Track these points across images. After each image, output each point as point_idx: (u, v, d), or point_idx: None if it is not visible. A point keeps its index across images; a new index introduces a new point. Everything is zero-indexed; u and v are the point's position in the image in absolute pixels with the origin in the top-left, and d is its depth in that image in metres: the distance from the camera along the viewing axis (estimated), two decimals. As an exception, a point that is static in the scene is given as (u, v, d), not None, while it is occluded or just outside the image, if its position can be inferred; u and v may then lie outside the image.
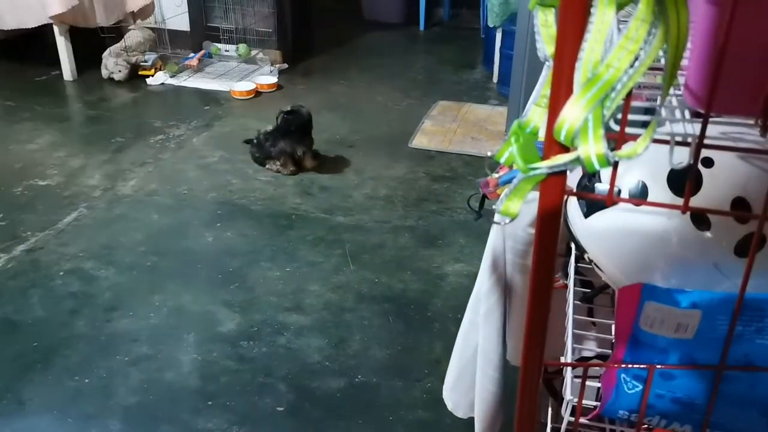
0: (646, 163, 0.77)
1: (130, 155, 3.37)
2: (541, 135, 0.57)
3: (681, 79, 0.69)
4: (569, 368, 0.83)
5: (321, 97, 4.16)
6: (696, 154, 0.60)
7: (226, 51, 4.56)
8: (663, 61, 0.53)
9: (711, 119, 0.59)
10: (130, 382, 2.00)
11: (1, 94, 4.08)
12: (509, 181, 0.56)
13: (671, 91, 0.67)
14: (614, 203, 0.80)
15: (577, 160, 0.51)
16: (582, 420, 0.80)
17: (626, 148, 0.53)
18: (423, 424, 1.88)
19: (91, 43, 4.27)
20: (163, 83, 4.28)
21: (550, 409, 1.18)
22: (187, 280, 2.45)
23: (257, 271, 2.51)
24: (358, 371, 2.06)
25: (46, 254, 2.57)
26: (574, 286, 0.97)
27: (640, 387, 0.72)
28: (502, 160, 0.59)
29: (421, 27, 5.64)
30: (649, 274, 0.79)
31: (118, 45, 4.26)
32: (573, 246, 0.94)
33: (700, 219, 0.76)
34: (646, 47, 0.50)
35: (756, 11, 0.59)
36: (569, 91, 0.51)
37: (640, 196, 0.79)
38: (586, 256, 0.87)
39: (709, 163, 0.76)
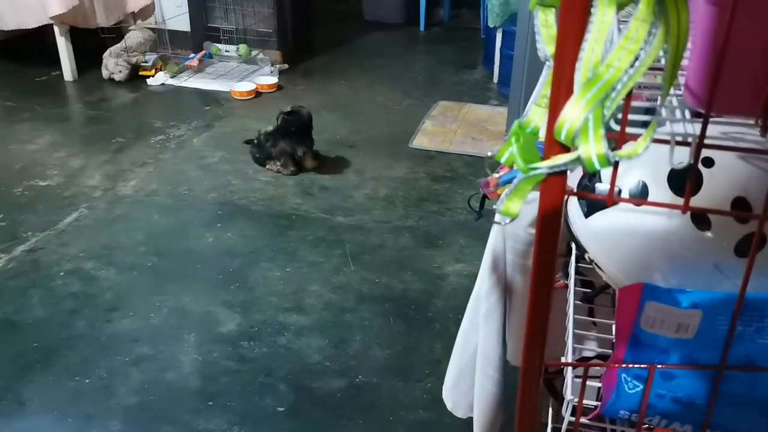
0: (646, 163, 0.77)
1: (131, 155, 3.38)
2: (542, 135, 0.57)
3: (681, 79, 0.69)
4: (570, 368, 0.83)
5: (321, 97, 4.16)
6: (696, 154, 0.60)
7: (226, 51, 4.57)
8: (663, 61, 0.53)
9: (711, 119, 0.59)
10: (130, 382, 2.00)
11: (1, 95, 4.08)
12: (510, 181, 0.56)
13: (671, 91, 0.67)
14: (615, 203, 0.80)
15: (578, 160, 0.51)
16: (583, 420, 0.80)
17: (627, 148, 0.53)
18: (423, 424, 1.88)
19: (91, 43, 4.28)
20: (163, 83, 4.28)
21: (550, 409, 1.18)
22: (188, 280, 2.45)
23: (258, 271, 2.51)
24: (358, 371, 2.06)
25: (46, 254, 2.57)
26: (575, 286, 0.97)
27: (641, 387, 0.72)
28: (502, 160, 0.59)
29: (422, 27, 5.64)
30: (649, 274, 0.79)
31: (118, 45, 4.26)
32: (573, 246, 0.94)
33: (701, 219, 0.76)
34: (647, 47, 0.50)
35: (756, 11, 0.59)
36: (569, 91, 0.51)
37: (640, 196, 0.79)
38: (586, 256, 0.87)
39: (709, 163, 0.76)
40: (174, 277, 2.47)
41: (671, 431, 0.76)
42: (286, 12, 4.52)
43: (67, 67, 4.24)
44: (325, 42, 5.10)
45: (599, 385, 0.79)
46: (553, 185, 0.56)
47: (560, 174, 0.55)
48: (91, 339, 2.16)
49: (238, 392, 1.97)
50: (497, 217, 0.58)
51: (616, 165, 0.55)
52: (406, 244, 2.69)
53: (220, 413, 1.90)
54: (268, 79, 4.29)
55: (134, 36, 4.33)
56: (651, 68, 0.51)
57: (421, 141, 3.57)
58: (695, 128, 0.64)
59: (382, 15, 5.72)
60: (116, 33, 4.32)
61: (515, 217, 0.57)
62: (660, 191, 0.78)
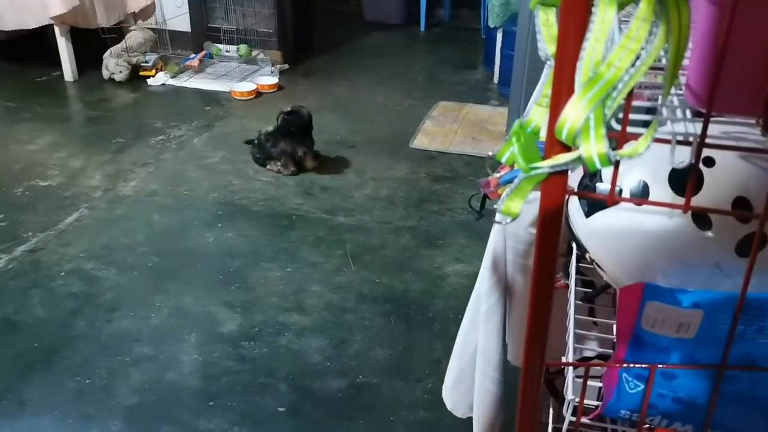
0: (647, 163, 0.77)
1: (131, 156, 3.38)
2: (543, 134, 0.57)
3: (682, 79, 0.69)
4: (571, 368, 0.83)
5: (322, 97, 4.16)
6: (697, 153, 0.60)
7: (226, 51, 4.57)
8: (664, 60, 0.53)
9: (712, 119, 0.59)
10: (130, 382, 2.00)
11: (1, 95, 4.08)
12: (510, 181, 0.56)
13: (672, 90, 0.67)
14: (615, 203, 0.80)
15: (579, 160, 0.51)
16: (583, 420, 0.80)
17: (628, 148, 0.53)
18: (424, 425, 1.88)
19: (91, 43, 4.28)
20: (163, 84, 4.28)
21: (551, 409, 1.18)
22: (188, 280, 2.45)
23: (258, 271, 2.51)
24: (359, 372, 2.06)
25: (46, 255, 2.57)
26: (576, 285, 0.97)
27: (642, 387, 0.72)
28: (503, 160, 0.59)
29: (422, 27, 5.63)
30: (650, 274, 0.79)
31: (119, 46, 4.26)
32: (574, 245, 0.93)
33: (702, 218, 0.76)
34: (648, 47, 0.50)
35: (757, 11, 0.59)
36: (570, 91, 0.51)
37: (641, 196, 0.79)
38: (587, 255, 0.87)
39: (710, 162, 0.76)
40: (174, 277, 2.47)
41: (672, 431, 0.76)
42: (286, 12, 4.52)
43: (68, 68, 4.24)
44: (326, 42, 5.10)
45: (600, 384, 0.79)
46: (554, 185, 0.56)
47: (561, 173, 0.55)
48: (91, 339, 2.16)
49: (238, 392, 1.97)
50: (498, 217, 0.58)
51: (617, 164, 0.55)
52: (406, 244, 2.69)
53: (220, 413, 1.90)
54: (268, 79, 4.29)
55: (135, 36, 4.34)
56: (652, 68, 0.51)
57: (421, 141, 3.57)
58: (696, 128, 0.64)
59: (382, 15, 5.72)
60: (117, 33, 4.32)
61: (516, 216, 0.57)
62: (661, 191, 0.78)
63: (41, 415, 1.88)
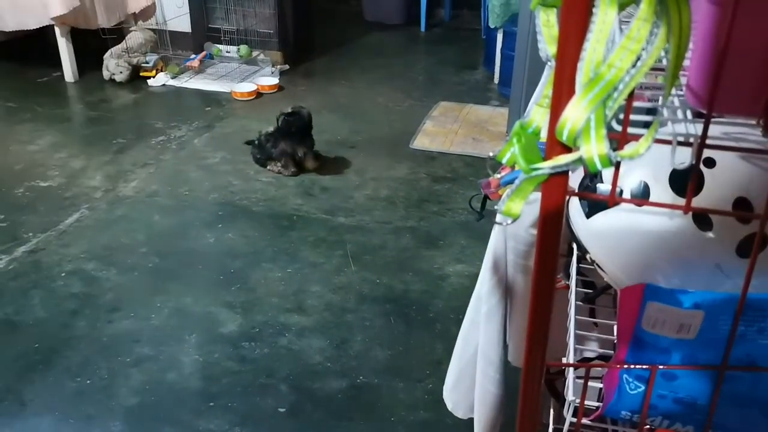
0: (648, 164, 0.77)
1: (132, 156, 3.38)
2: (543, 135, 0.57)
3: (683, 80, 0.69)
4: (571, 369, 0.83)
5: (322, 98, 4.16)
6: (698, 154, 0.60)
7: (227, 52, 4.57)
8: (665, 61, 0.53)
9: (713, 119, 0.59)
10: (131, 383, 2.00)
11: (2, 95, 4.08)
12: (511, 182, 0.56)
13: (673, 91, 0.67)
14: (616, 203, 0.80)
15: (580, 161, 0.51)
16: (584, 421, 0.80)
17: (628, 149, 0.53)
18: (424, 425, 1.88)
19: (92, 44, 4.28)
20: (164, 84, 4.28)
21: (551, 410, 1.18)
22: (189, 281, 2.45)
23: (258, 272, 2.51)
24: (359, 372, 2.06)
25: (47, 255, 2.57)
26: (576, 286, 0.97)
27: (643, 387, 0.72)
28: (504, 161, 0.59)
29: (422, 28, 5.63)
30: (651, 275, 0.79)
31: (119, 46, 4.26)
32: (575, 246, 0.93)
33: (702, 219, 0.76)
34: (648, 47, 0.50)
35: (757, 11, 0.59)
36: (571, 92, 0.51)
37: (642, 197, 0.79)
38: (588, 256, 0.87)
39: (711, 163, 0.76)
40: (175, 277, 2.47)
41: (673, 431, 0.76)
42: (286, 13, 4.52)
43: (68, 68, 4.24)
44: (326, 42, 5.10)
45: (601, 385, 0.79)
46: (554, 186, 0.56)
47: (562, 174, 0.55)
48: (92, 340, 2.16)
49: (239, 393, 1.97)
50: (499, 218, 0.58)
51: (617, 165, 0.55)
52: (406, 244, 2.69)
53: (221, 414, 1.90)
54: (268, 79, 4.29)
55: (135, 37, 4.34)
56: (652, 68, 0.51)
57: (421, 141, 3.57)
58: (697, 128, 0.64)
59: (382, 15, 5.72)
60: (117, 34, 4.33)
61: (517, 217, 0.57)
62: (661, 191, 0.78)
63: (42, 415, 1.88)
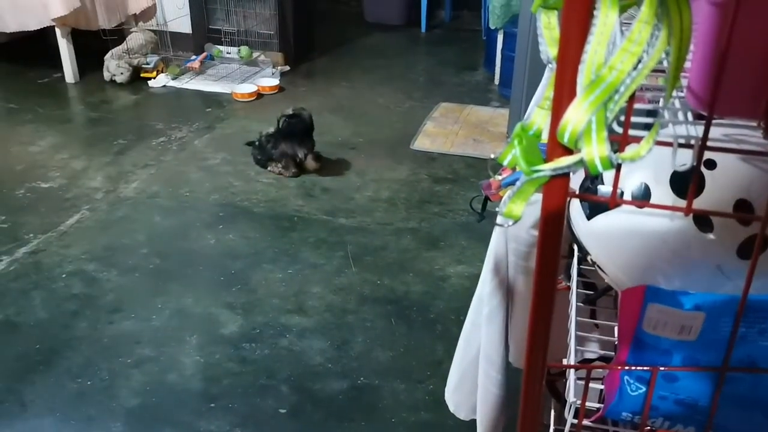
0: (648, 165, 0.77)
1: (132, 157, 3.38)
2: (545, 137, 0.57)
3: (684, 81, 0.69)
4: (572, 370, 0.83)
5: (323, 99, 4.16)
6: (699, 156, 0.60)
7: (227, 53, 4.57)
8: (666, 63, 0.53)
9: (714, 121, 0.59)
10: (132, 384, 2.00)
11: (2, 96, 4.09)
12: (512, 183, 0.57)
13: (674, 93, 0.67)
14: (617, 205, 0.80)
15: (581, 163, 0.51)
16: (585, 422, 0.80)
17: (629, 151, 0.53)
18: (425, 426, 1.88)
19: (92, 45, 4.28)
20: (164, 85, 4.28)
21: (552, 411, 1.18)
22: (190, 281, 2.45)
23: (259, 273, 2.51)
24: (360, 373, 2.06)
25: (48, 256, 2.57)
26: (577, 287, 0.97)
27: (644, 389, 0.72)
28: (505, 163, 0.59)
29: (423, 29, 5.64)
30: (652, 276, 0.79)
31: (120, 47, 4.26)
32: (576, 248, 0.94)
33: (703, 221, 0.76)
34: (649, 50, 0.50)
35: (758, 13, 0.59)
36: (572, 94, 0.51)
37: (642, 198, 0.79)
38: (588, 258, 0.87)
39: (711, 165, 0.76)
40: (176, 278, 2.47)
41: (674, 433, 0.76)
42: (287, 14, 4.53)
43: (69, 69, 4.25)
44: (327, 43, 5.11)
45: (602, 387, 0.79)
46: (555, 187, 0.56)
47: (563, 176, 0.55)
48: (92, 341, 2.16)
49: (239, 394, 1.97)
50: (500, 220, 0.58)
51: (618, 167, 0.55)
52: (407, 245, 2.69)
53: (221, 415, 1.90)
54: (269, 80, 4.30)
55: (136, 38, 4.34)
56: (653, 70, 0.51)
57: (422, 142, 3.57)
58: (698, 130, 0.64)
59: (383, 16, 5.73)
60: (118, 35, 4.33)
61: (518, 219, 0.57)
62: (662, 193, 0.78)
63: (42, 416, 1.88)
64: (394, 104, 4.11)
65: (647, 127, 0.56)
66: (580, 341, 0.92)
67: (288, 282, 2.46)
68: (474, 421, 1.46)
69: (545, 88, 0.61)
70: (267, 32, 4.55)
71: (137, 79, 4.31)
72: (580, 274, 1.00)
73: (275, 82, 4.29)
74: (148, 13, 4.46)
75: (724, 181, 0.75)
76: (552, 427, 1.08)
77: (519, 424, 0.73)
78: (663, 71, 0.56)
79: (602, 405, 0.77)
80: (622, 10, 0.50)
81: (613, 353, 0.88)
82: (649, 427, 0.76)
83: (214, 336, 2.19)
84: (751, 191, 0.75)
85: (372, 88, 4.36)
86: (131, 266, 2.53)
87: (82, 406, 1.92)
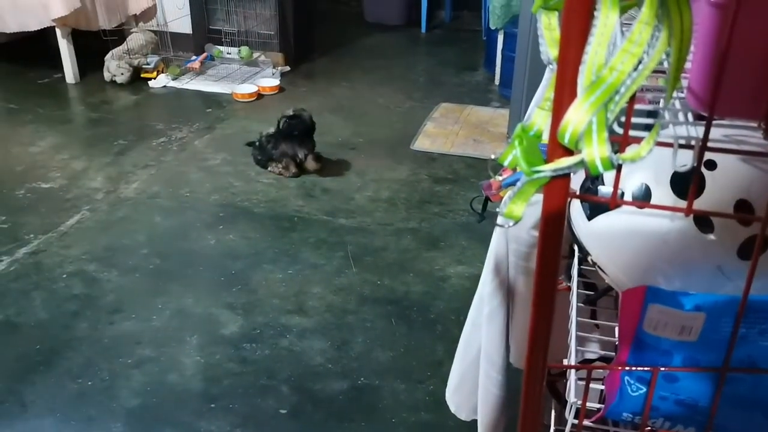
0: (649, 166, 0.77)
1: (133, 158, 3.38)
2: (545, 138, 0.57)
3: (684, 82, 0.69)
4: (573, 370, 0.83)
5: (323, 99, 4.16)
6: (699, 156, 0.60)
7: (228, 53, 4.57)
8: (666, 64, 0.53)
9: (714, 122, 0.59)
10: (132, 384, 2.00)
11: (3, 97, 4.09)
12: (512, 184, 0.57)
13: (674, 93, 0.67)
14: (617, 206, 0.80)
15: (581, 163, 0.51)
16: (585, 422, 0.80)
17: (630, 151, 0.53)
18: (426, 427, 1.88)
19: (93, 45, 4.28)
20: (165, 86, 4.28)
21: (553, 411, 1.18)
22: (190, 282, 2.45)
23: (259, 273, 2.51)
24: (360, 373, 2.06)
25: (48, 257, 2.57)
26: (578, 288, 0.97)
27: (644, 389, 0.72)
28: (505, 163, 0.59)
29: (423, 29, 5.64)
30: (652, 277, 0.79)
31: (120, 48, 4.27)
32: (576, 248, 0.94)
33: (704, 221, 0.76)
34: (650, 50, 0.50)
35: (759, 13, 0.59)
36: (573, 95, 0.51)
37: (643, 199, 0.79)
38: (589, 258, 0.87)
39: (712, 165, 0.76)
40: (176, 278, 2.47)
41: (674, 433, 0.76)
42: (287, 14, 4.53)
43: (69, 70, 4.25)
44: (327, 44, 5.11)
45: (602, 387, 0.79)
46: (556, 188, 0.57)
47: (563, 177, 0.55)
48: (93, 341, 2.16)
49: (240, 394, 1.97)
50: (500, 220, 0.58)
51: (619, 168, 0.55)
52: (407, 245, 2.69)
53: (222, 415, 1.90)
54: (269, 81, 4.30)
55: (136, 38, 4.34)
56: (654, 71, 0.51)
57: (422, 143, 3.57)
58: (698, 131, 0.64)
59: (383, 16, 5.73)
60: (118, 35, 4.33)
61: (519, 220, 0.57)
62: (663, 194, 0.78)
63: (43, 417, 1.88)
64: (394, 104, 4.11)
65: (648, 127, 0.56)
66: (581, 342, 0.92)
67: (288, 282, 2.46)
68: (475, 422, 1.46)
69: (545, 89, 0.61)
70: (267, 32, 4.55)
71: (137, 79, 4.31)
72: (580, 274, 1.00)
73: (275, 82, 4.29)
74: (149, 14, 4.46)
75: (724, 182, 0.75)
76: (552, 428, 1.08)
77: (519, 424, 0.73)
78: (663, 72, 0.57)
79: (603, 405, 0.77)
80: (623, 11, 0.50)
81: (614, 354, 0.88)
82: (649, 428, 0.76)
83: (215, 336, 2.19)
84: (752, 192, 0.75)
85: (372, 88, 4.36)
86: (131, 266, 2.53)
87: (82, 406, 1.92)
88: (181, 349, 2.13)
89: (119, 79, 4.25)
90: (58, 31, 4.09)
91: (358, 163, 3.35)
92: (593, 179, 0.87)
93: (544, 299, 0.63)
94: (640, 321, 0.68)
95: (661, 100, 0.74)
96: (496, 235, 1.29)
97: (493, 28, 4.16)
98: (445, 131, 3.72)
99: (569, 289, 1.00)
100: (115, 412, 1.90)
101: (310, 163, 3.22)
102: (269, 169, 3.22)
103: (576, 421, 0.80)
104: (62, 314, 2.27)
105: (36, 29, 4.09)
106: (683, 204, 0.62)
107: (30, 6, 3.98)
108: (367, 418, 1.91)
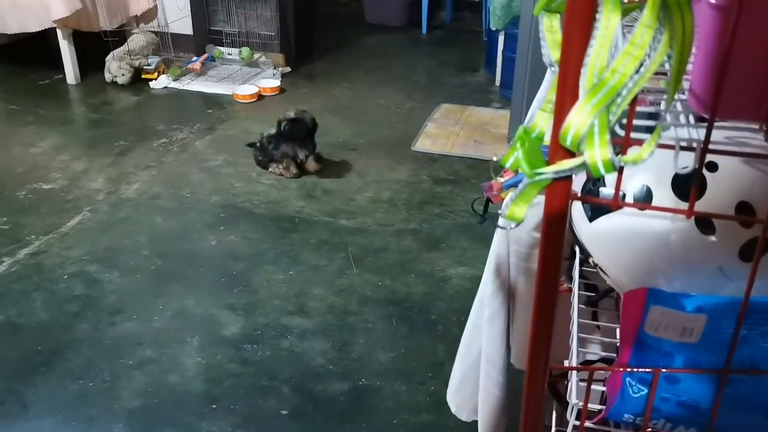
0: (650, 168, 0.78)
1: (134, 158, 3.38)
2: (547, 140, 0.57)
3: (685, 84, 0.69)
4: (574, 372, 0.84)
5: (323, 100, 4.16)
6: (701, 158, 0.60)
7: (229, 54, 4.57)
8: (668, 66, 0.53)
9: (715, 124, 0.59)
10: (133, 385, 2.00)
11: (4, 98, 4.09)
12: (514, 186, 0.57)
13: (676, 96, 0.67)
14: (619, 207, 0.80)
15: (583, 165, 0.51)
16: (587, 424, 0.80)
17: (631, 153, 0.53)
18: (427, 427, 1.88)
19: (94, 46, 4.28)
20: (166, 87, 4.28)
21: (554, 412, 1.18)
22: (191, 283, 2.45)
23: (260, 274, 2.51)
24: (361, 374, 2.06)
25: (49, 258, 2.58)
26: (579, 289, 0.97)
27: (645, 390, 0.72)
28: (507, 165, 0.59)
29: (424, 30, 5.64)
30: (653, 278, 0.79)
31: (121, 49, 4.27)
32: (577, 250, 0.94)
33: (705, 223, 0.76)
34: (652, 53, 0.50)
35: (760, 16, 0.59)
36: (575, 97, 0.51)
37: (644, 201, 0.79)
38: (590, 259, 0.87)
39: (713, 167, 0.76)
40: (177, 279, 2.47)
41: (676, 435, 0.76)
42: (288, 15, 4.53)
43: (70, 71, 4.25)
44: (328, 45, 5.11)
45: (603, 388, 0.79)
46: (558, 190, 0.57)
47: (565, 179, 0.55)
48: (94, 342, 2.16)
49: (241, 395, 1.97)
50: (502, 222, 0.59)
51: (620, 170, 0.55)
52: (408, 246, 2.69)
53: (223, 416, 1.90)
54: (270, 82, 4.30)
55: (137, 39, 4.34)
56: (655, 73, 0.51)
57: (423, 144, 3.57)
58: (699, 133, 0.64)
59: (384, 17, 5.73)
60: (119, 36, 4.34)
61: (520, 221, 0.57)
62: (664, 196, 0.78)
63: (44, 417, 1.89)
64: (394, 105, 4.11)
65: (649, 129, 0.56)
66: (582, 343, 0.92)
67: (289, 283, 2.46)
68: (476, 423, 1.47)
69: (547, 91, 0.61)
70: (268, 33, 4.55)
71: (138, 80, 4.32)
72: (581, 275, 1.00)
73: (276, 83, 4.29)
74: (149, 15, 4.47)
75: (725, 184, 0.76)
76: (554, 429, 1.08)
77: (521, 425, 0.73)
78: (665, 74, 0.57)
79: (604, 407, 0.77)
80: (625, 13, 0.51)
81: (615, 355, 0.88)
82: (650, 429, 0.76)
83: (216, 337, 2.19)
84: (753, 194, 0.75)
85: (373, 89, 4.36)
86: (132, 267, 2.53)
87: (83, 407, 1.92)
88: (182, 350, 2.14)
89: (120, 80, 4.25)
90: (59, 32, 4.09)
91: (358, 164, 3.35)
92: (595, 181, 0.87)
93: (546, 300, 0.63)
94: (642, 322, 0.68)
95: (663, 102, 0.74)
96: (497, 236, 1.29)
97: (493, 29, 4.16)
98: (446, 132, 3.72)
99: (570, 290, 1.00)
100: (116, 412, 1.90)
101: (311, 164, 3.22)
102: (270, 169, 3.23)
103: (577, 423, 0.80)
104: (63, 315, 2.27)
105: (37, 30, 4.10)
106: (684, 206, 0.62)
107: (31, 7, 3.98)
108: (368, 419, 1.91)
